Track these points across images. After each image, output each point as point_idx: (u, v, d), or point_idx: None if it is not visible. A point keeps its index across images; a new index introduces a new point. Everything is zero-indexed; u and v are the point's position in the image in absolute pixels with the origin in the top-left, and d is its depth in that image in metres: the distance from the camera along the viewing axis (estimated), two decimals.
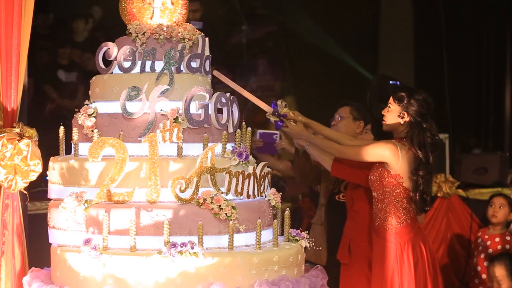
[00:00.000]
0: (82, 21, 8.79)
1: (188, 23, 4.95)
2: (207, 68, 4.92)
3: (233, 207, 4.43)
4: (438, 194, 7.89)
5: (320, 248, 5.64)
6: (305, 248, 4.81)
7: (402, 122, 4.95)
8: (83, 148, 4.68)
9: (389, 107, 5.00)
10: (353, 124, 5.73)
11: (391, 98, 5.01)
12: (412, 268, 4.91)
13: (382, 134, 5.22)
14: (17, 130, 4.87)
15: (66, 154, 4.79)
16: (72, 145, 4.71)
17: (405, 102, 4.93)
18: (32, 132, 4.93)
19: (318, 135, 5.27)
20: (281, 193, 4.89)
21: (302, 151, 5.64)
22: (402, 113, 4.94)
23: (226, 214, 4.40)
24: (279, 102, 5.17)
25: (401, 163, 4.88)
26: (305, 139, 5.20)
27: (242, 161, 4.55)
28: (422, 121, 4.93)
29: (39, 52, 8.41)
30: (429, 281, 4.99)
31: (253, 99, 5.15)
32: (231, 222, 4.40)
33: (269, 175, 4.82)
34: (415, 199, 4.91)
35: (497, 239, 6.78)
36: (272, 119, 5.18)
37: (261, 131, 5.29)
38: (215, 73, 5.00)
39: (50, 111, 8.42)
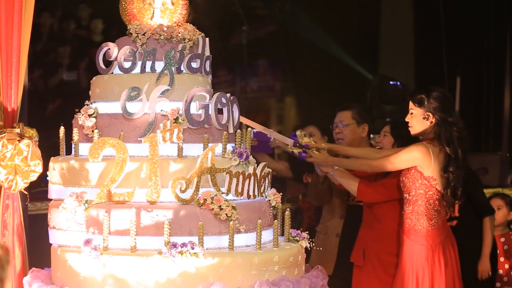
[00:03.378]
0: (83, 20, 8.81)
1: (188, 24, 4.95)
2: (208, 69, 4.92)
3: (233, 208, 4.43)
4: None
5: (320, 248, 5.62)
6: (308, 250, 4.81)
7: (429, 124, 4.91)
8: (84, 148, 4.67)
9: (411, 113, 4.94)
10: (358, 129, 5.66)
11: (410, 103, 4.94)
12: (443, 270, 4.91)
13: (401, 135, 5.20)
14: (17, 130, 4.87)
15: (66, 154, 4.79)
16: (73, 146, 4.71)
17: (426, 103, 4.89)
18: (33, 132, 4.93)
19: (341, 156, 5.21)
20: (281, 193, 4.89)
21: (323, 177, 5.55)
22: (427, 114, 4.89)
23: (226, 214, 4.40)
24: (298, 133, 5.10)
25: (433, 164, 4.85)
26: (331, 164, 5.12)
27: (243, 162, 4.55)
28: (447, 116, 4.89)
29: (39, 51, 8.41)
30: (457, 283, 5.00)
31: (274, 135, 5.12)
32: (231, 223, 4.40)
33: (269, 176, 4.82)
34: (447, 195, 4.89)
35: (503, 239, 6.75)
36: (296, 151, 5.09)
37: (255, 130, 5.26)
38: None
39: (51, 111, 8.42)
